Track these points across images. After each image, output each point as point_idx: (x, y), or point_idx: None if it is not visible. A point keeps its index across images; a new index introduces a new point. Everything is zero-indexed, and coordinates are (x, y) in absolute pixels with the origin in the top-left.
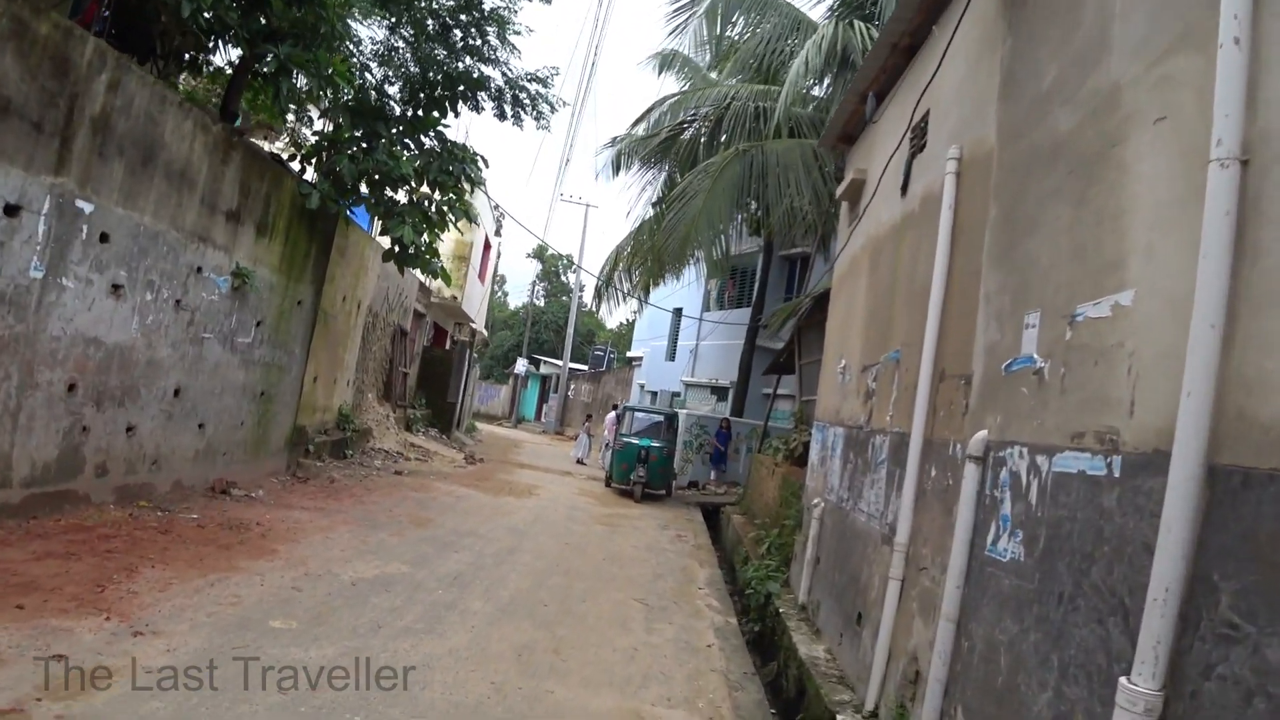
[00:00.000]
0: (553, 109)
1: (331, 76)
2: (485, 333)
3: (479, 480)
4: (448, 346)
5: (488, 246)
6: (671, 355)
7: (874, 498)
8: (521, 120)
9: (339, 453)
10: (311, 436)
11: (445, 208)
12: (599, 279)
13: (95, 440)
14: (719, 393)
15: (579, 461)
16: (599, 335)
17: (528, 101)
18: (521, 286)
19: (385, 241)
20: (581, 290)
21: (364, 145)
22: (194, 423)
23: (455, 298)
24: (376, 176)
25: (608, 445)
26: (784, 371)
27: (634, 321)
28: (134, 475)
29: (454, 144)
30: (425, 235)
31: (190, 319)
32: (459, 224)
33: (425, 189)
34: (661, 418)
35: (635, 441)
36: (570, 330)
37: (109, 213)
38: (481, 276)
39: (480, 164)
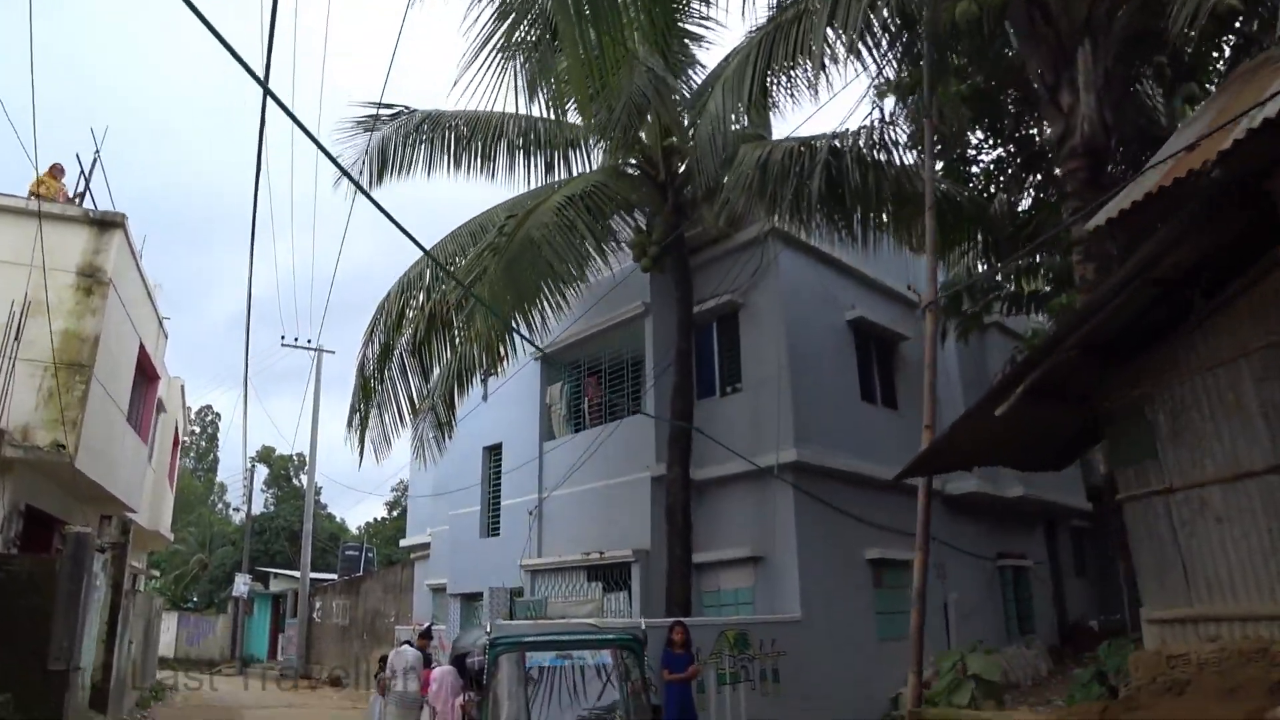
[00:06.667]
0: None
1: None
2: (170, 535)
3: None
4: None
5: (152, 375)
6: (493, 528)
7: None
8: None
9: None
10: None
11: None
12: (353, 403)
13: None
14: (610, 576)
15: None
16: (344, 537)
17: None
18: (255, 490)
19: None
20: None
21: None
22: None
23: (63, 447)
24: None
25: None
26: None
27: (396, 507)
28: None
29: None
30: None
31: None
32: None
33: None
34: (607, 661)
35: None
36: (308, 524)
37: None
38: (143, 430)
39: None
